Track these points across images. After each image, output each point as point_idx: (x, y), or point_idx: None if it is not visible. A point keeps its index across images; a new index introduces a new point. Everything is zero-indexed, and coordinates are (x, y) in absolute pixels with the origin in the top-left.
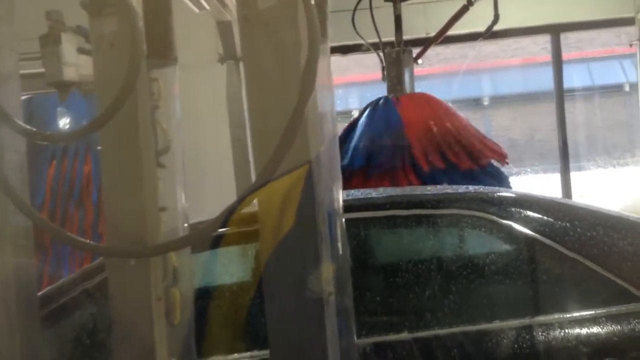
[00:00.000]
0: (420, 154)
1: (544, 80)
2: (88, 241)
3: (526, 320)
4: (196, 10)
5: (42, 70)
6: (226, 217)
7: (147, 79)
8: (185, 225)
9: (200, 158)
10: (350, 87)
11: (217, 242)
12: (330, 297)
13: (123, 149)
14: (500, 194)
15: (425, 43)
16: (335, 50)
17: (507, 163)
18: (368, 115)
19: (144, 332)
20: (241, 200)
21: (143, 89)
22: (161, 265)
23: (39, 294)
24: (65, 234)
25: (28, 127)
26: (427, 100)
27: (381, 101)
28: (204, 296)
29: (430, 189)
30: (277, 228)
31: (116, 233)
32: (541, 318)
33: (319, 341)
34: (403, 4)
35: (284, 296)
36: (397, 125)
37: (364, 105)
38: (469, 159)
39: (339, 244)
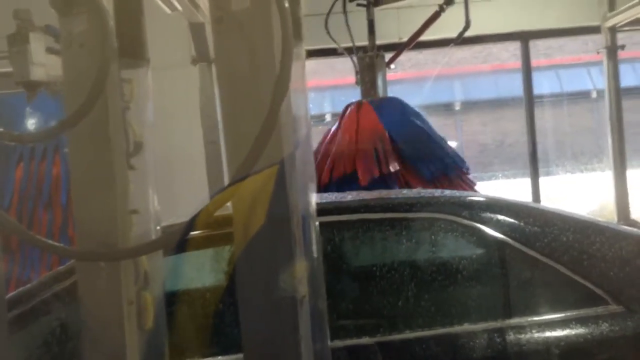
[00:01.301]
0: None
1: (514, 86)
2: (58, 244)
3: (497, 323)
4: (168, 10)
5: (10, 69)
6: (198, 220)
7: (119, 80)
8: (158, 228)
9: (173, 160)
10: (322, 90)
11: (190, 244)
12: (303, 299)
13: (93, 150)
14: (472, 198)
15: (398, 48)
16: (309, 54)
17: (467, 174)
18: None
19: (115, 337)
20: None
21: (114, 89)
22: (132, 268)
23: (7, 297)
24: (36, 237)
25: None
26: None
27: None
28: (177, 299)
29: (404, 193)
30: (247, 228)
31: (87, 236)
32: (512, 321)
33: (292, 344)
34: (376, 10)
35: (257, 298)
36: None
37: (335, 109)
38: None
39: (313, 247)
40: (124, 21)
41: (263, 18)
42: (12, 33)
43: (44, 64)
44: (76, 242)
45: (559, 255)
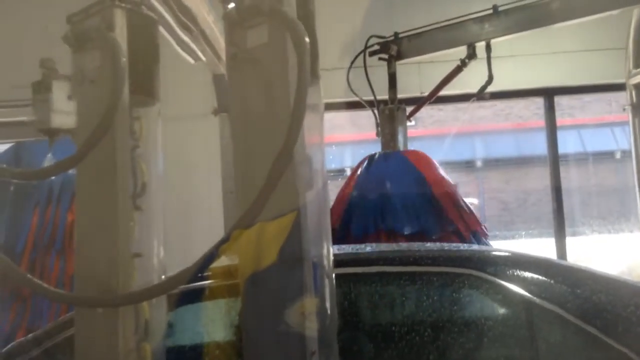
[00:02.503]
0: (457, 219)
1: (536, 144)
2: (54, 289)
3: None
4: (192, 61)
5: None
6: (202, 266)
7: (129, 116)
8: (163, 277)
9: (191, 210)
10: (343, 145)
11: (198, 296)
12: (313, 355)
13: (98, 188)
14: (498, 253)
15: (419, 102)
16: (329, 107)
17: (487, 236)
18: (380, 171)
19: None
20: (220, 244)
21: (123, 126)
22: (133, 316)
23: (6, 349)
24: (30, 280)
25: None
26: (424, 159)
27: (378, 156)
28: (183, 354)
29: (427, 246)
30: (257, 269)
31: (86, 279)
32: None
33: None
34: (397, 64)
35: (263, 344)
36: (423, 187)
37: (355, 163)
38: (464, 226)
39: (326, 299)
40: (138, 59)
41: (278, 55)
42: (37, 81)
43: (66, 111)
44: (75, 286)
45: (591, 317)
